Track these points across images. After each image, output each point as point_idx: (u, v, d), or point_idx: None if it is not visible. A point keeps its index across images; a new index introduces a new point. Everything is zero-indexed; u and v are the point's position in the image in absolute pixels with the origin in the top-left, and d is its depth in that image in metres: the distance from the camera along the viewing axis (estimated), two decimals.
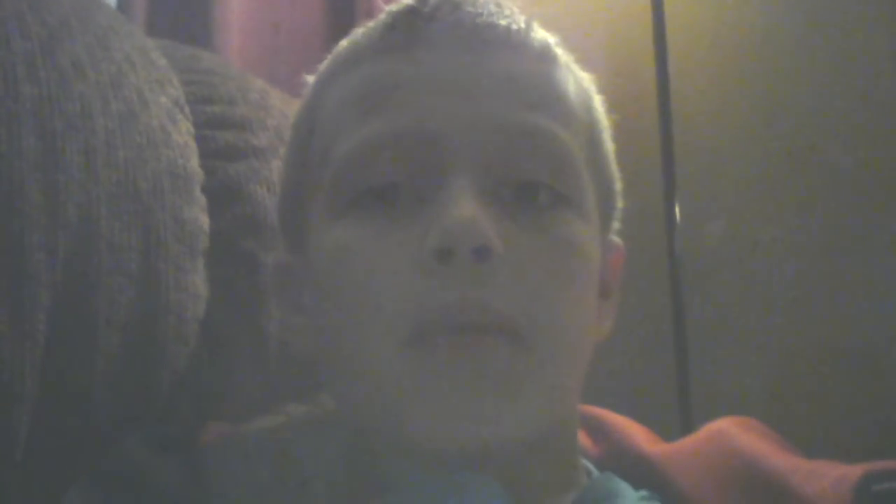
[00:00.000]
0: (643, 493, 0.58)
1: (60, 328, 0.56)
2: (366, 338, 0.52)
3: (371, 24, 0.59)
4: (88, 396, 0.58)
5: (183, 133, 0.69)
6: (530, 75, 0.57)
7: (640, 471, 0.60)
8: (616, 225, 0.64)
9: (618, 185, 0.63)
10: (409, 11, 0.57)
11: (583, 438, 0.64)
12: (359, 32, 0.60)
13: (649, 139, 1.44)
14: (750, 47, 1.59)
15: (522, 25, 0.58)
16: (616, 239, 0.63)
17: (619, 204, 0.63)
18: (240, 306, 0.69)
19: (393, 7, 0.58)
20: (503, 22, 0.57)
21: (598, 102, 0.62)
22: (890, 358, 1.45)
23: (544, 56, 0.58)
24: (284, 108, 0.79)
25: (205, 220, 0.68)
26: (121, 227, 0.60)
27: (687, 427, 1.31)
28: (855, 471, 0.54)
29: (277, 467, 0.54)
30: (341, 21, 1.38)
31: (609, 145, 0.62)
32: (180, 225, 0.65)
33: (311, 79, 0.62)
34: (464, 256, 0.50)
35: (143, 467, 0.53)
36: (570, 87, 0.59)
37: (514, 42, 0.57)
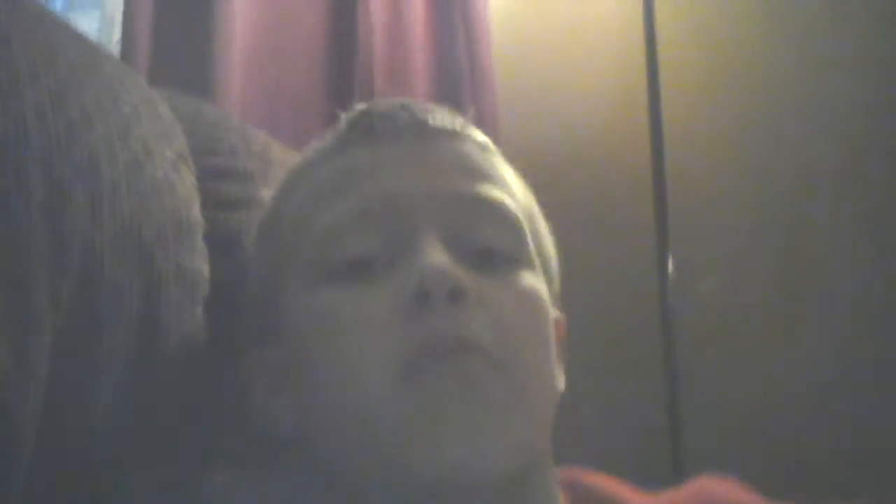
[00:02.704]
0: None
1: (63, 371, 0.56)
2: (360, 382, 0.56)
3: (327, 134, 0.67)
4: (88, 438, 0.58)
5: (186, 184, 0.70)
6: (476, 157, 0.64)
7: None
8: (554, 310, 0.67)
9: (556, 266, 0.68)
10: (366, 113, 0.65)
11: (561, 497, 0.65)
12: (314, 144, 0.68)
13: (642, 194, 1.46)
14: (748, 96, 1.61)
15: (464, 123, 0.66)
16: (559, 313, 0.67)
17: (557, 285, 0.68)
18: (236, 354, 0.69)
19: (349, 113, 0.66)
20: (448, 118, 0.65)
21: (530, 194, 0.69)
22: (882, 408, 1.45)
23: (486, 146, 0.66)
24: (285, 160, 0.81)
25: (205, 269, 0.69)
26: (123, 273, 0.61)
27: (677, 468, 1.31)
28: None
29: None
30: (340, 79, 1.40)
31: (545, 229, 0.68)
32: (182, 272, 0.66)
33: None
34: (440, 298, 0.56)
35: None
36: (510, 172, 0.67)
37: (459, 134, 0.65)
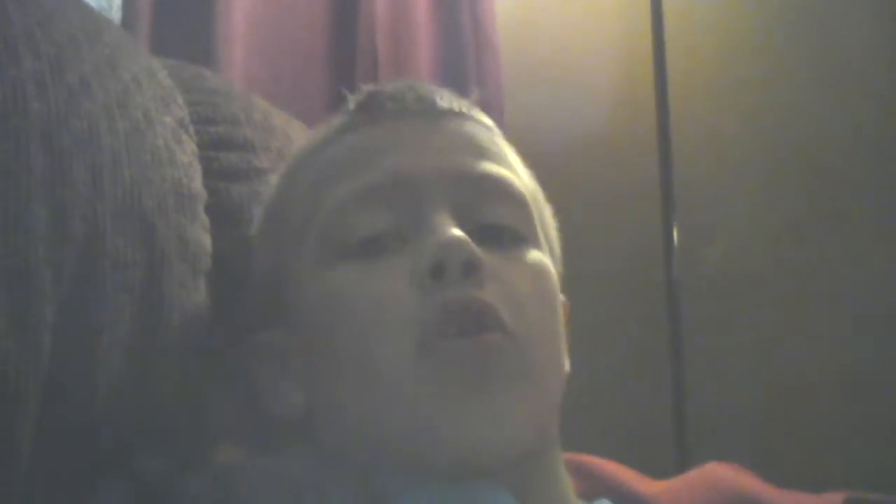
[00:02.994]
0: None
1: (64, 344, 0.56)
2: (378, 360, 0.56)
3: (334, 116, 0.68)
4: (91, 412, 0.58)
5: (187, 153, 0.70)
6: (483, 137, 0.65)
7: None
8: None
9: (559, 251, 0.69)
10: (374, 94, 0.66)
11: (572, 483, 0.65)
12: (321, 127, 0.68)
13: (648, 164, 1.45)
14: (757, 62, 1.59)
15: (469, 104, 0.67)
16: (561, 296, 0.67)
17: (560, 270, 0.68)
18: (237, 326, 0.69)
19: (357, 94, 0.67)
20: (454, 99, 0.66)
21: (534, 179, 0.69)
22: (892, 383, 1.45)
23: (491, 128, 0.67)
24: (287, 130, 0.80)
25: (207, 241, 0.68)
26: (125, 244, 0.61)
27: (682, 449, 1.31)
28: (836, 497, 0.60)
29: (297, 488, 0.55)
30: (343, 46, 1.39)
31: (549, 213, 0.69)
32: (184, 244, 0.65)
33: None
34: (455, 270, 0.56)
35: (166, 484, 0.54)
36: (514, 155, 0.67)
37: (465, 114, 0.66)
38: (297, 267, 0.62)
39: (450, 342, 0.55)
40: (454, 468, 0.55)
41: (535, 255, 0.62)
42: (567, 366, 0.64)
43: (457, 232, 0.57)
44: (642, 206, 1.49)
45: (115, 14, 1.36)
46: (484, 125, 0.66)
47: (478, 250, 0.57)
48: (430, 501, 0.54)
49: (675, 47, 1.48)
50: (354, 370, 0.58)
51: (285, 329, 0.62)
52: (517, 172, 0.65)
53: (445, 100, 0.65)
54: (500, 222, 0.61)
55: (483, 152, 0.63)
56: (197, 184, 0.69)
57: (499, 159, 0.64)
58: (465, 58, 1.41)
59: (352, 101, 0.66)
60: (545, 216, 0.67)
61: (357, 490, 0.55)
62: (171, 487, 0.54)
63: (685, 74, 1.52)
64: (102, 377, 0.58)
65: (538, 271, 0.61)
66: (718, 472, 0.66)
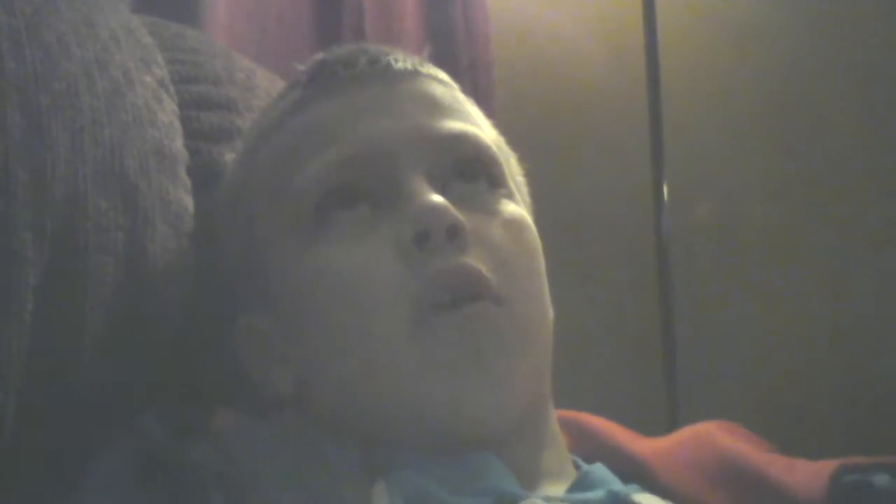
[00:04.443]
0: (633, 486, 0.60)
1: (47, 307, 0.56)
2: (371, 338, 0.56)
3: (287, 87, 0.66)
4: (75, 375, 0.58)
5: (168, 113, 0.69)
6: (442, 95, 0.64)
7: (625, 467, 0.63)
8: None
9: (528, 198, 0.68)
10: (324, 62, 0.64)
11: (565, 439, 0.65)
12: (276, 99, 0.67)
13: (638, 120, 1.44)
14: (746, 15, 1.58)
15: (423, 61, 0.66)
16: None
17: (531, 211, 0.67)
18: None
19: (307, 65, 0.65)
20: (408, 59, 0.65)
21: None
22: (883, 340, 1.45)
23: (448, 83, 0.66)
24: (270, 89, 0.79)
25: (189, 202, 0.68)
26: (107, 206, 0.60)
27: (673, 411, 1.32)
28: (830, 464, 0.59)
29: (297, 451, 0.55)
30: (329, 1, 1.37)
31: (514, 161, 0.68)
32: (166, 205, 0.65)
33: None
34: (439, 237, 0.56)
35: (165, 448, 0.54)
36: (474, 108, 0.67)
37: (421, 73, 0.64)
38: (273, 251, 0.61)
39: (443, 316, 0.55)
40: (453, 440, 0.55)
41: (512, 207, 0.61)
42: (551, 313, 0.63)
43: (436, 197, 0.56)
44: (632, 162, 1.48)
45: None
46: (442, 81, 0.65)
47: (459, 214, 0.56)
48: (424, 472, 0.54)
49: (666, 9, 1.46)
50: (348, 348, 0.57)
51: (269, 314, 0.62)
52: (480, 126, 0.64)
53: (399, 61, 0.64)
54: (475, 181, 0.61)
55: (445, 110, 0.62)
56: (178, 144, 0.69)
57: (461, 115, 0.63)
58: (452, 15, 1.40)
59: (303, 73, 0.65)
60: (512, 165, 0.67)
61: (356, 457, 0.55)
62: (171, 453, 0.53)
63: (675, 27, 1.51)
64: (87, 340, 0.58)
65: (518, 226, 0.61)
66: (710, 433, 0.65)
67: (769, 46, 1.57)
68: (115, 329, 0.60)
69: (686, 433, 0.67)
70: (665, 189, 1.41)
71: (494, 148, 0.63)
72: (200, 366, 0.66)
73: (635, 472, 0.62)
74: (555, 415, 0.63)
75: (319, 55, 0.65)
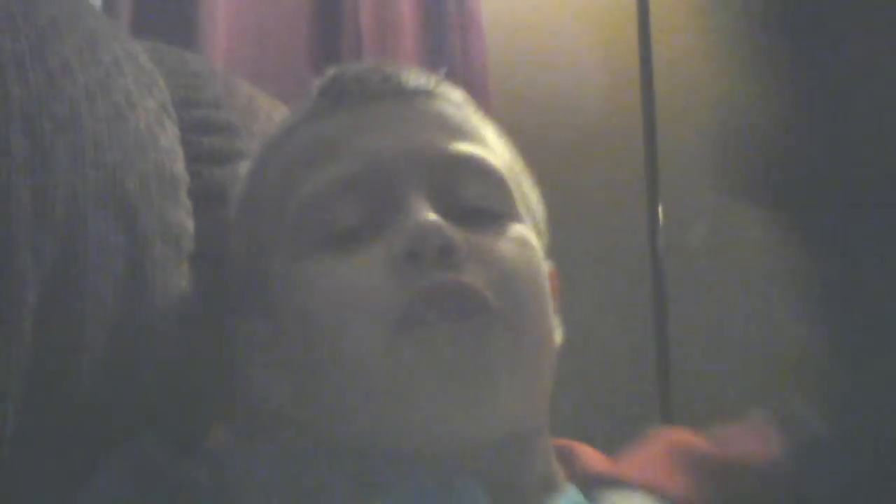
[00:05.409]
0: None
1: (47, 328, 0.56)
2: (356, 342, 0.56)
3: (301, 102, 0.66)
4: (74, 396, 0.58)
5: (169, 136, 0.69)
6: (455, 115, 0.63)
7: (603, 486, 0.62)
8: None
9: (543, 218, 0.67)
10: (337, 78, 0.64)
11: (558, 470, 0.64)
12: (288, 113, 0.67)
13: (633, 141, 1.45)
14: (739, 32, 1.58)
15: (437, 81, 0.65)
16: (549, 262, 0.66)
17: (546, 238, 0.67)
18: (222, 309, 0.69)
19: (320, 80, 0.65)
20: (421, 77, 0.64)
21: (512, 148, 0.67)
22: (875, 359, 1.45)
23: (463, 104, 0.65)
24: (271, 112, 0.80)
25: (190, 224, 0.68)
26: (107, 227, 0.60)
27: (667, 413, 1.32)
28: (758, 419, 0.60)
29: (293, 472, 0.55)
30: (327, 25, 1.39)
31: (529, 181, 0.67)
32: (166, 227, 0.65)
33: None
34: (431, 256, 0.55)
35: (166, 464, 0.54)
36: (490, 128, 0.66)
37: (434, 92, 0.64)
38: (275, 259, 0.61)
39: (429, 319, 0.54)
40: (434, 453, 0.55)
41: (516, 228, 0.61)
42: (559, 337, 0.63)
43: (431, 216, 0.56)
44: (627, 186, 1.49)
45: None
46: (454, 102, 0.65)
47: (453, 233, 0.56)
48: (403, 499, 0.53)
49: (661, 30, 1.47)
50: (334, 360, 0.57)
51: (267, 319, 0.62)
52: (491, 147, 0.64)
53: (413, 79, 0.63)
54: (478, 204, 0.60)
55: (455, 131, 0.62)
56: (179, 167, 0.69)
57: (472, 137, 0.63)
58: (449, 39, 1.41)
59: (316, 88, 0.65)
60: (524, 187, 0.66)
61: (350, 476, 0.55)
62: (168, 472, 0.53)
63: (670, 47, 1.52)
64: (85, 360, 0.58)
65: (520, 244, 0.60)
66: (671, 436, 0.65)
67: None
68: (113, 350, 0.60)
69: (651, 444, 0.66)
70: (660, 210, 1.42)
71: (504, 171, 0.63)
72: (198, 385, 0.66)
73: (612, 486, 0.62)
74: (549, 442, 0.62)
75: (333, 70, 0.66)
